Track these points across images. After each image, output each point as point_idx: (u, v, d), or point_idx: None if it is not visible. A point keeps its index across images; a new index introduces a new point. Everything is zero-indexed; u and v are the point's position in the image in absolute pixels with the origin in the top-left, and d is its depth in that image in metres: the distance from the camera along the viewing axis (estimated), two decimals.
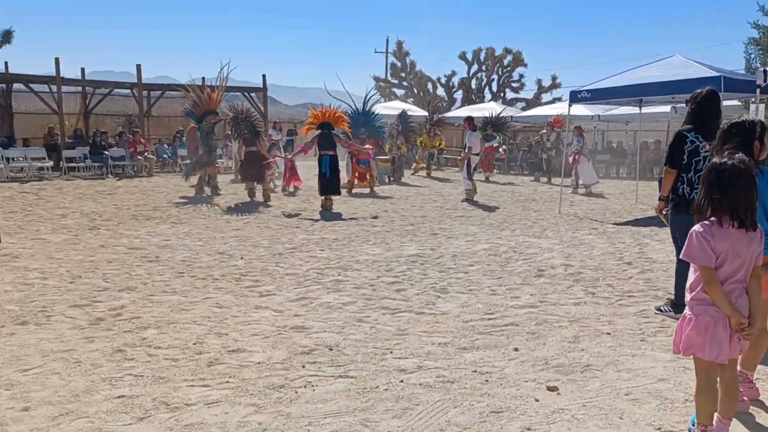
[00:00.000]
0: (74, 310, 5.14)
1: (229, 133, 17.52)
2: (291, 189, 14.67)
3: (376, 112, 15.87)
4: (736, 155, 2.80)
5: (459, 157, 16.91)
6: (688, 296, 2.88)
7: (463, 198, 13.34)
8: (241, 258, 7.31)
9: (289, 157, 14.11)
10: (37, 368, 3.89)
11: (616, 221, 10.67)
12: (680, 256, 2.85)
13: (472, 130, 13.74)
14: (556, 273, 6.66)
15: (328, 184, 11.56)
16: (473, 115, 20.04)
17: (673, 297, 5.16)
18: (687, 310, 2.88)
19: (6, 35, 19.63)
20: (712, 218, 2.77)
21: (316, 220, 10.48)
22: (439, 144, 21.20)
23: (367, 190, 15.01)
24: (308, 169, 14.89)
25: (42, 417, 3.20)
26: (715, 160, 2.83)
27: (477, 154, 13.83)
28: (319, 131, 11.83)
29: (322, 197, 11.61)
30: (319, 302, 5.48)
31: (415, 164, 20.88)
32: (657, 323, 4.91)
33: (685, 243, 2.80)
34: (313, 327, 4.77)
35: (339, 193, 11.87)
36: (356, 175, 15.04)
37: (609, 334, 4.62)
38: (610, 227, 9.97)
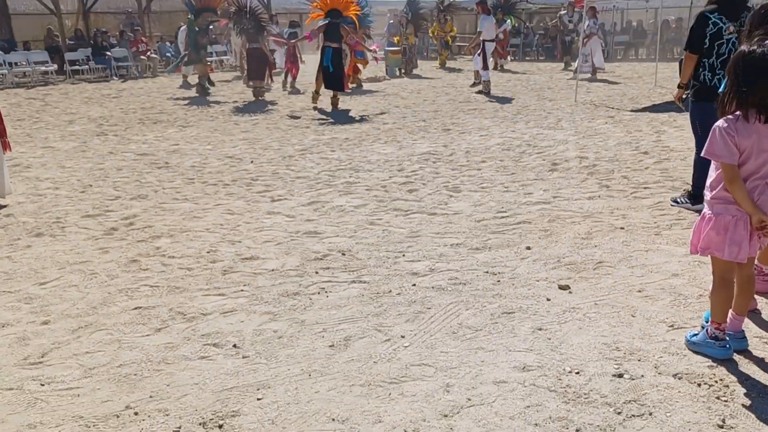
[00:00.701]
0: (87, 221, 5.16)
1: (231, 27, 16.97)
2: (295, 87, 14.30)
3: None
4: (767, 42, 2.59)
5: (468, 45, 16.30)
6: (708, 194, 2.78)
7: (477, 89, 12.98)
8: (251, 161, 7.24)
9: (292, 41, 13.60)
10: (54, 281, 3.94)
11: (633, 108, 10.37)
12: (702, 154, 2.72)
13: (486, 14, 13.14)
14: (570, 166, 6.54)
15: (331, 78, 11.07)
16: None
17: (690, 188, 5.05)
18: (706, 209, 2.79)
19: None
20: (737, 112, 2.61)
21: (325, 120, 10.29)
22: (451, 30, 20.38)
23: (374, 86, 14.63)
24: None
25: (62, 330, 3.27)
26: (744, 47, 2.62)
27: (492, 41, 13.26)
28: (327, 21, 11.15)
29: (317, 89, 11.23)
30: (331, 206, 5.46)
31: (440, 57, 20.04)
32: (673, 216, 4.84)
33: (708, 139, 2.66)
34: (325, 231, 4.76)
35: (343, 90, 11.42)
36: (352, 67, 14.44)
37: (623, 228, 4.57)
38: (627, 114, 9.70)
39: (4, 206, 5.61)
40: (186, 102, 12.60)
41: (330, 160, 7.28)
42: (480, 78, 13.01)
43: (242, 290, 3.73)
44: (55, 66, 16.88)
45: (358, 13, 11.79)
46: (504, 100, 11.85)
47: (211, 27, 16.14)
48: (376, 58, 14.11)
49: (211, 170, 6.87)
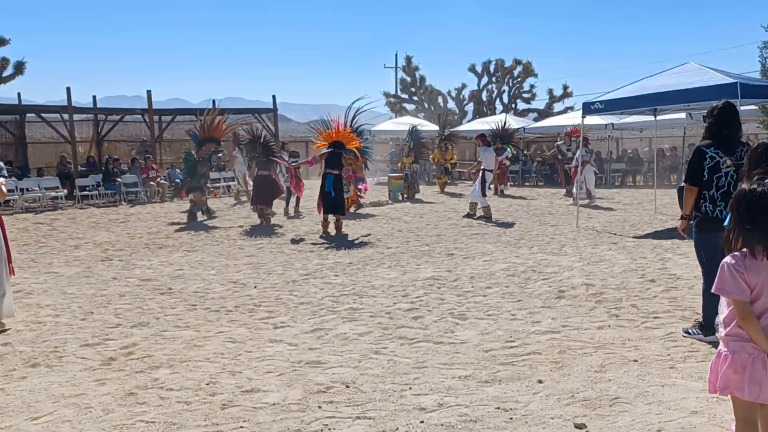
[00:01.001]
0: (86, 350, 5.05)
1: (236, 155, 17.63)
2: (300, 211, 14.57)
3: (362, 130, 14.66)
4: (767, 180, 2.63)
5: (467, 170, 16.82)
6: (722, 331, 2.72)
7: (479, 215, 13.18)
8: (255, 287, 7.21)
9: (294, 164, 14.00)
10: (47, 416, 3.78)
11: (635, 234, 10.45)
12: (712, 290, 2.68)
13: (487, 146, 13.66)
14: (577, 294, 6.48)
15: (332, 203, 11.38)
16: (485, 127, 20.06)
17: (701, 318, 4.97)
18: (722, 346, 2.71)
19: (18, 67, 19.86)
20: (744, 249, 2.61)
21: (329, 244, 10.37)
22: (451, 158, 21.08)
23: (377, 211, 14.91)
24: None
25: None
26: (744, 186, 2.66)
27: (491, 170, 13.69)
28: (330, 149, 11.66)
29: (325, 218, 11.47)
30: (334, 333, 5.35)
31: (438, 181, 20.71)
32: (686, 347, 4.72)
33: (717, 276, 2.64)
34: (329, 361, 4.63)
35: (343, 214, 11.68)
36: (355, 192, 14.79)
37: (636, 361, 4.43)
38: (630, 241, 9.76)
39: (3, 331, 5.53)
40: (192, 227, 12.76)
41: (333, 285, 7.24)
42: (475, 209, 13.29)
43: (241, 427, 3.56)
44: (65, 191, 17.30)
45: (359, 147, 12.30)
46: (506, 225, 11.99)
47: (219, 155, 16.71)
48: (361, 196, 14.58)
49: (214, 296, 6.82)
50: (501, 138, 19.19)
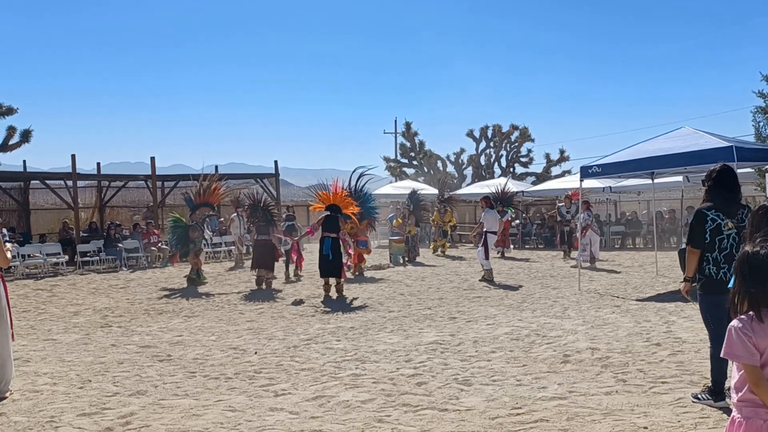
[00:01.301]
0: (82, 420, 4.93)
1: (234, 218, 17.71)
2: (300, 274, 14.53)
3: (367, 192, 14.98)
4: None
5: (471, 234, 16.87)
6: (734, 396, 2.66)
7: (480, 277, 13.15)
8: (255, 353, 7.11)
9: (296, 239, 14.03)
10: None
11: (638, 297, 10.38)
12: (721, 355, 2.65)
13: (490, 208, 13.78)
14: (582, 358, 6.38)
15: (329, 266, 11.41)
16: (484, 190, 20.29)
17: (710, 383, 4.88)
18: (735, 412, 2.65)
19: (25, 135, 20.20)
20: (751, 312, 2.59)
21: (331, 308, 10.29)
22: (450, 221, 21.20)
23: (379, 274, 14.88)
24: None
25: None
26: (747, 249, 2.67)
27: (495, 233, 13.76)
28: (326, 213, 11.83)
29: (325, 281, 11.47)
30: (336, 401, 5.24)
31: (433, 243, 20.87)
32: (696, 413, 4.61)
33: (725, 340, 2.61)
34: (331, 431, 4.52)
35: (340, 277, 11.66)
36: (357, 255, 14.78)
37: (646, 428, 4.33)
38: (633, 304, 9.68)
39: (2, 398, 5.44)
40: (192, 292, 12.68)
41: (335, 350, 7.14)
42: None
43: None
44: (66, 257, 17.27)
45: (356, 212, 12.45)
46: (508, 288, 11.93)
47: (221, 219, 16.79)
48: (348, 265, 14.57)
49: (214, 363, 6.71)
50: (501, 201, 19.36)
